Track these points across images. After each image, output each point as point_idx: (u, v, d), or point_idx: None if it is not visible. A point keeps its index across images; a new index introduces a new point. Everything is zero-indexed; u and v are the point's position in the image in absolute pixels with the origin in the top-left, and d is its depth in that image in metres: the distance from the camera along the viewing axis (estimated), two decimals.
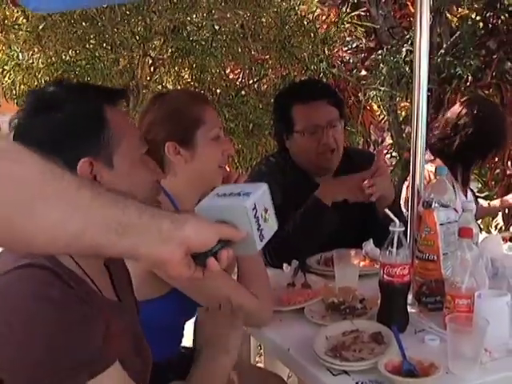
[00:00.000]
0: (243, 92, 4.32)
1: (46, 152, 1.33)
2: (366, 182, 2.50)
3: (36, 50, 3.86)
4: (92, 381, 1.26)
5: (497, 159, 4.74)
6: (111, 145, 1.44)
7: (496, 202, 3.68)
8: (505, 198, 3.67)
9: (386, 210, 1.98)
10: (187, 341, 2.33)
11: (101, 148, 1.42)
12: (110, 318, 1.35)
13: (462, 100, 3.37)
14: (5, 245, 1.06)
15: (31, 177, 0.97)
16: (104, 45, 3.79)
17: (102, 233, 1.03)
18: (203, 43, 3.88)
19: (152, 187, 1.56)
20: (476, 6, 4.83)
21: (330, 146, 2.68)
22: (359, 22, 4.41)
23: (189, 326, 2.24)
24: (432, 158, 3.18)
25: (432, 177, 2.99)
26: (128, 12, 3.64)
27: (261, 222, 1.26)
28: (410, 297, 2.03)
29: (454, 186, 3.09)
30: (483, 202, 3.72)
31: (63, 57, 3.80)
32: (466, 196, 3.21)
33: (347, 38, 4.82)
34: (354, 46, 4.98)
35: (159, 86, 4.10)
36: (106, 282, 1.49)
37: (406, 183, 3.09)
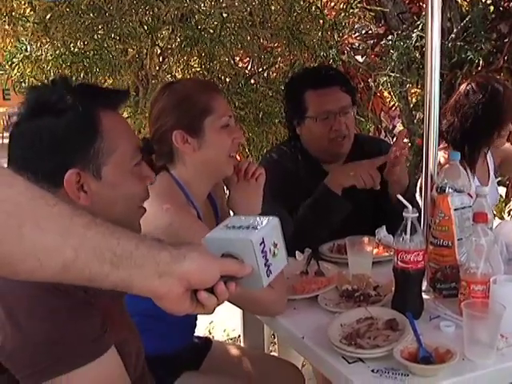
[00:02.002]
0: (252, 80, 4.31)
1: (34, 156, 1.38)
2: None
3: (44, 41, 3.85)
4: (88, 365, 1.27)
5: (509, 143, 4.70)
6: (101, 156, 1.43)
7: None
8: None
9: (399, 196, 1.98)
10: (199, 331, 2.34)
11: (90, 159, 1.42)
12: (109, 304, 1.35)
13: None
14: None
15: (22, 201, 0.96)
16: (112, 35, 3.77)
17: (95, 262, 1.01)
18: (211, 32, 3.86)
19: (138, 198, 1.55)
20: None
21: (342, 132, 2.69)
22: (368, 7, 4.39)
23: (201, 317, 2.24)
24: (446, 145, 3.14)
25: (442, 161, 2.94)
26: (135, 1, 3.63)
27: (269, 257, 1.24)
28: (424, 283, 2.03)
29: (467, 172, 3.05)
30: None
31: (71, 48, 3.79)
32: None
33: (356, 25, 4.80)
34: (363, 32, 4.96)
35: (168, 76, 4.09)
36: None
37: None
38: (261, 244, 1.22)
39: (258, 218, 1.30)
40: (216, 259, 1.19)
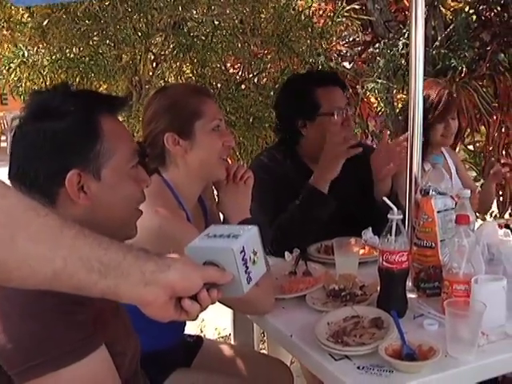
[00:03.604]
0: (243, 86, 4.34)
1: (36, 156, 1.41)
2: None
3: (41, 46, 3.88)
4: (77, 363, 1.29)
5: (491, 148, 4.79)
6: (101, 158, 1.47)
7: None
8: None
9: (385, 198, 2.02)
10: (191, 329, 2.36)
11: (90, 161, 1.46)
12: (102, 305, 1.35)
13: None
14: None
15: (15, 213, 1.00)
16: (107, 41, 3.80)
17: (83, 272, 1.05)
18: (203, 39, 3.90)
19: (135, 201, 1.60)
20: None
21: (351, 126, 2.79)
22: (355, 16, 4.44)
23: None
24: None
25: None
26: (130, 9, 3.65)
27: (249, 265, 1.27)
28: (408, 283, 2.06)
29: None
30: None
31: (67, 54, 3.82)
32: None
33: (344, 32, 4.85)
34: (350, 39, 5.03)
35: (161, 81, 4.11)
36: None
37: None
38: (241, 252, 1.26)
39: (237, 227, 1.35)
40: (198, 268, 1.23)
